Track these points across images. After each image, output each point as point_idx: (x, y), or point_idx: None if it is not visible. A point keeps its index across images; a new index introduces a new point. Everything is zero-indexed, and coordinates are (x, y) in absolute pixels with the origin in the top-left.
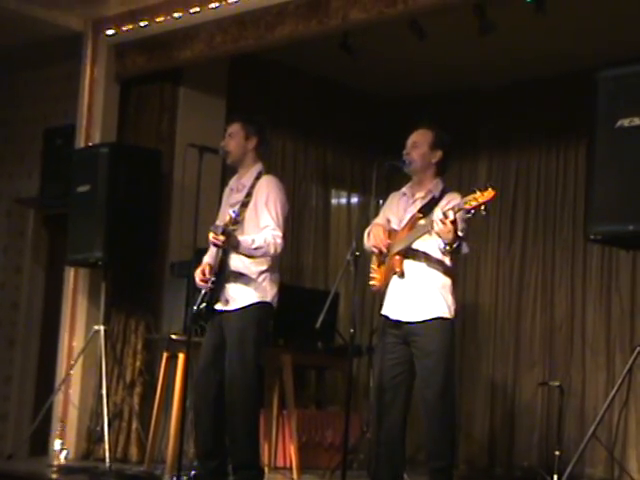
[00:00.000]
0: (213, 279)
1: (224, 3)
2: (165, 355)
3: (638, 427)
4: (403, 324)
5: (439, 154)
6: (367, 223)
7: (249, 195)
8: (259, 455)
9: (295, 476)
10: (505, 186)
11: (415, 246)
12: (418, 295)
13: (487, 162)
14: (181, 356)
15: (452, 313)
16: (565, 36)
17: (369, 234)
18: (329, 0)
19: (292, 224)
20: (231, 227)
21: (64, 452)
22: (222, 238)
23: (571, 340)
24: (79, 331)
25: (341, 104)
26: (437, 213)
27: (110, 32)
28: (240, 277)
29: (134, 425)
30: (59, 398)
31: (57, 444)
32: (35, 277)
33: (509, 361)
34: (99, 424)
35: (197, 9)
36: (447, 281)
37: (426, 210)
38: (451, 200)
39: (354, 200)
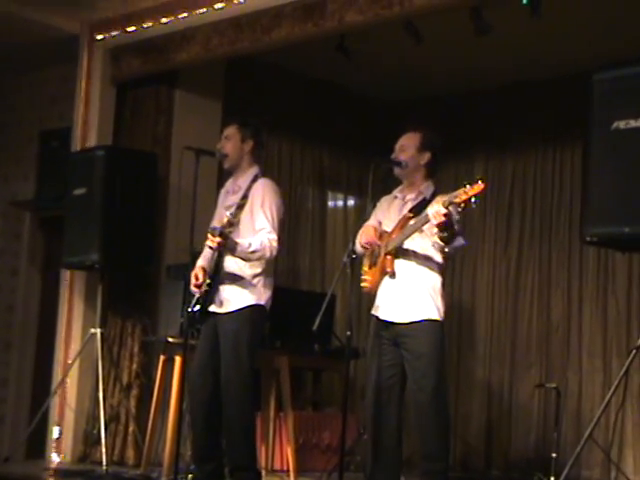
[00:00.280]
0: (208, 281)
1: (220, 6)
2: (162, 358)
3: (635, 429)
4: (393, 325)
5: (427, 156)
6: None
7: (245, 197)
8: (256, 457)
9: (292, 478)
10: (501, 188)
11: (405, 245)
12: (408, 296)
13: (483, 164)
14: (178, 359)
15: (441, 315)
16: (561, 38)
17: (361, 235)
18: (325, 3)
19: (288, 226)
20: (228, 229)
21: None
22: (218, 240)
23: (567, 342)
24: (75, 334)
25: (338, 106)
26: (430, 208)
27: (106, 35)
28: (235, 279)
29: (131, 428)
30: (55, 401)
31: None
32: (31, 280)
33: (505, 363)
34: (96, 427)
35: (193, 12)
36: (437, 281)
37: (417, 211)
38: (435, 201)
39: (350, 202)
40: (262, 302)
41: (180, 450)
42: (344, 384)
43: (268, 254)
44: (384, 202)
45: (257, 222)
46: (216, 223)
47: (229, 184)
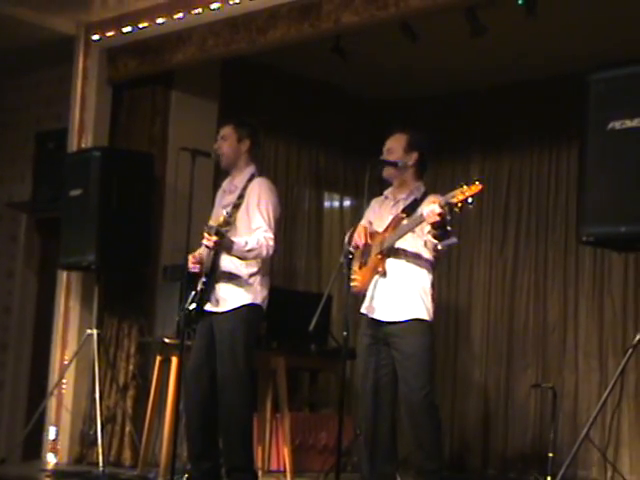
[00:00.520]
0: (204, 280)
1: (216, 6)
2: (158, 359)
3: (631, 429)
4: (383, 324)
5: (415, 156)
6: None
7: (241, 197)
8: (253, 458)
9: (289, 479)
10: (498, 188)
11: (396, 245)
12: (398, 295)
13: (480, 164)
14: (174, 359)
15: (431, 316)
16: (556, 38)
17: (351, 235)
18: (321, 3)
19: (285, 227)
20: (224, 228)
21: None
22: (215, 239)
23: (564, 342)
24: (72, 335)
25: (334, 107)
26: (426, 208)
27: (102, 36)
28: (231, 278)
29: (127, 429)
30: (52, 402)
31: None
32: (27, 281)
33: (502, 363)
34: (92, 428)
35: (189, 12)
36: (427, 281)
37: (409, 211)
38: (430, 201)
39: (347, 203)
40: (258, 301)
41: (177, 451)
42: (341, 385)
43: (264, 252)
44: (375, 203)
45: (253, 221)
46: (212, 222)
47: (226, 184)
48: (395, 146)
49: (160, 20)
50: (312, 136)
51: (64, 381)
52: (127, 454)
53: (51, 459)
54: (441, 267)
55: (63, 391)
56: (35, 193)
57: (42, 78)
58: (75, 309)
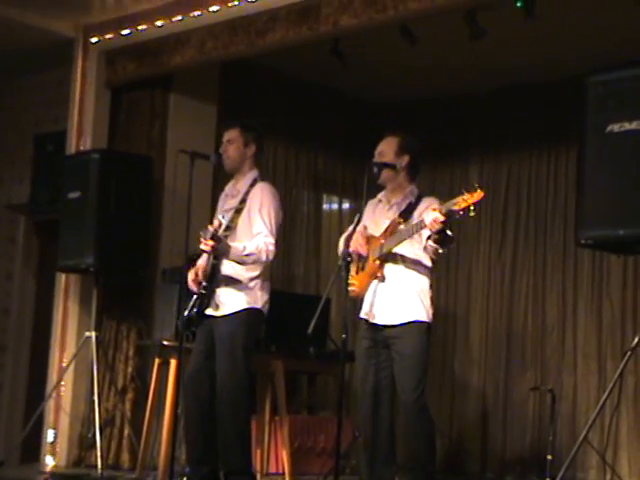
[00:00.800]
0: (205, 284)
1: (215, 9)
2: (157, 361)
3: (629, 431)
4: (383, 328)
5: (406, 158)
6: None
7: (243, 202)
8: (251, 461)
9: None
10: (496, 191)
11: (395, 250)
12: (396, 299)
13: (478, 167)
14: (173, 362)
15: (429, 317)
16: (555, 41)
17: (347, 240)
18: (320, 6)
19: (283, 229)
20: (223, 233)
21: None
22: (211, 243)
23: (562, 344)
24: (70, 337)
25: (332, 110)
26: (427, 215)
27: (101, 38)
28: (231, 282)
29: (126, 431)
30: (50, 405)
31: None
32: (26, 283)
33: (501, 365)
34: (91, 431)
35: (188, 15)
36: (426, 283)
37: (405, 216)
38: (430, 204)
39: (345, 205)
40: (258, 306)
41: (175, 453)
42: (339, 387)
43: (264, 257)
44: (369, 206)
45: (255, 226)
46: (210, 226)
47: (229, 188)
48: (386, 149)
49: (159, 23)
50: (311, 138)
51: (62, 383)
52: (125, 457)
53: (49, 462)
54: (439, 270)
55: (62, 393)
56: (34, 195)
57: (41, 80)
58: (74, 311)
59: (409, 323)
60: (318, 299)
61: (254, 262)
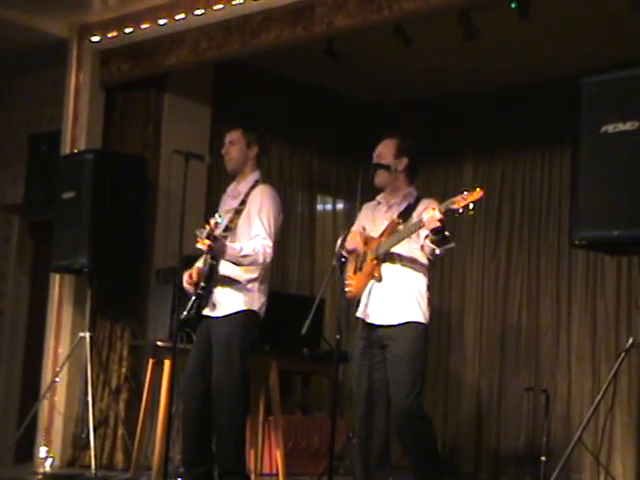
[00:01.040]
0: (202, 284)
1: (209, 9)
2: (151, 361)
3: (623, 432)
4: (379, 328)
5: (405, 161)
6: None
7: (243, 203)
8: (245, 462)
9: None
10: (490, 192)
11: (392, 249)
12: (394, 299)
13: (472, 168)
14: (167, 362)
15: (426, 318)
16: (550, 42)
17: (343, 240)
18: (314, 7)
19: None
20: (222, 233)
21: (49, 460)
22: (208, 242)
23: (557, 345)
24: (64, 338)
25: (327, 110)
26: (426, 213)
27: (95, 39)
28: (229, 284)
29: (120, 432)
30: (44, 405)
31: (42, 451)
32: (20, 284)
33: (495, 367)
34: (85, 431)
35: (182, 15)
36: (423, 284)
37: (404, 216)
38: (428, 205)
39: (340, 206)
40: (255, 307)
41: (169, 454)
42: (333, 388)
43: (261, 259)
44: (367, 208)
45: (253, 228)
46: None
47: (230, 188)
48: (384, 151)
49: (153, 23)
50: (305, 139)
51: (57, 380)
52: (119, 457)
53: (43, 453)
54: (434, 272)
55: (55, 394)
56: (28, 195)
57: (35, 81)
58: (68, 312)
59: (405, 324)
60: (312, 299)
61: (250, 264)
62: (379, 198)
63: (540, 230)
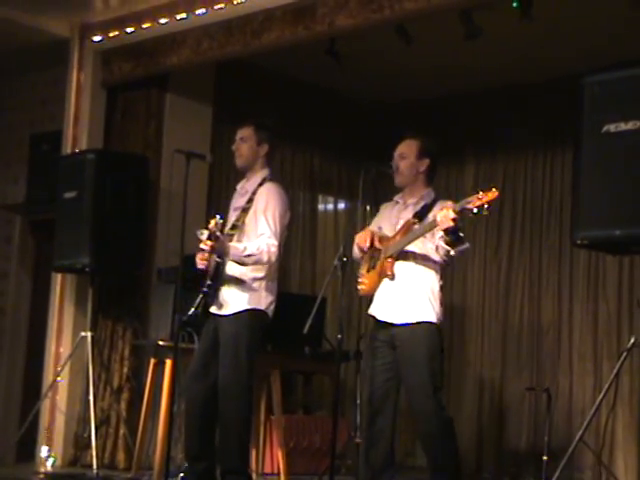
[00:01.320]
0: (209, 282)
1: (211, 9)
2: (152, 361)
3: (625, 431)
4: (389, 326)
5: (426, 162)
6: (354, 228)
7: (250, 201)
8: (248, 461)
9: None
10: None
11: (405, 248)
12: (406, 298)
13: (474, 167)
14: (168, 362)
15: (439, 318)
16: (551, 41)
17: (360, 239)
18: (315, 6)
19: None
20: (229, 232)
21: (51, 460)
22: (210, 243)
23: (558, 345)
24: (66, 337)
25: (328, 110)
26: (440, 213)
27: (96, 38)
28: (235, 282)
29: (121, 431)
30: (46, 404)
31: (44, 451)
32: (22, 283)
33: (496, 366)
34: (86, 430)
35: (183, 15)
36: (436, 284)
37: (420, 216)
38: (444, 206)
39: (341, 206)
40: (262, 307)
41: (171, 453)
42: (335, 387)
43: (265, 259)
44: (384, 208)
45: (259, 227)
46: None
47: (240, 186)
48: (408, 151)
49: (154, 23)
50: (306, 139)
51: (59, 380)
52: (121, 456)
53: (44, 453)
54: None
55: (57, 393)
56: (29, 195)
57: (37, 80)
58: (69, 311)
59: (417, 323)
60: (314, 299)
61: (255, 263)
62: (397, 198)
63: (542, 229)
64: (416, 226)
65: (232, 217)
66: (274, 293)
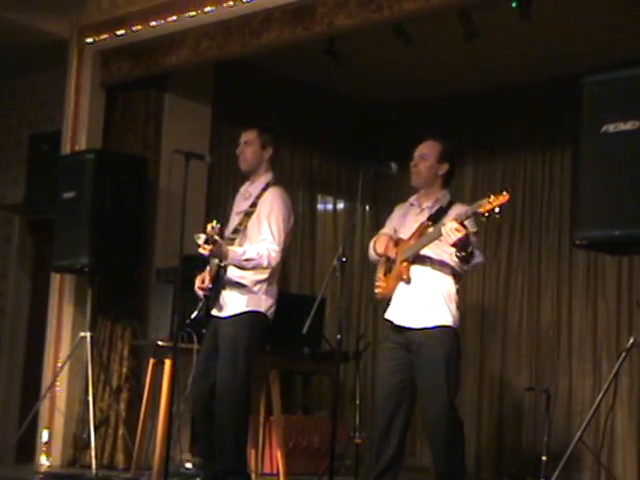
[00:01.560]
0: (210, 286)
1: (210, 9)
2: (151, 361)
3: (624, 432)
4: (406, 330)
5: (446, 166)
6: (354, 228)
7: (254, 205)
8: (246, 462)
9: None
10: (491, 192)
11: (422, 252)
12: (423, 302)
13: (473, 168)
14: (167, 362)
15: (456, 322)
16: (550, 41)
17: (375, 244)
18: (315, 6)
19: None
20: (230, 235)
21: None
22: (209, 247)
23: (557, 345)
24: (65, 338)
25: (327, 110)
26: (449, 223)
27: (95, 39)
28: (236, 285)
29: (120, 431)
30: (45, 405)
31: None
32: (21, 284)
33: (496, 366)
34: (85, 431)
35: (182, 15)
36: (452, 287)
37: (434, 219)
38: (459, 211)
39: (340, 206)
40: (262, 309)
41: (170, 454)
42: (334, 388)
43: (265, 263)
44: (399, 210)
45: (262, 232)
46: (230, 226)
47: (243, 189)
48: (429, 153)
49: (154, 23)
50: (305, 139)
51: (57, 383)
52: (120, 457)
53: (44, 462)
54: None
55: (56, 393)
56: (28, 195)
57: (36, 81)
58: (68, 311)
59: (435, 328)
60: (313, 299)
61: (254, 267)
62: (412, 200)
63: (541, 230)
64: (430, 229)
65: (234, 221)
66: (274, 297)
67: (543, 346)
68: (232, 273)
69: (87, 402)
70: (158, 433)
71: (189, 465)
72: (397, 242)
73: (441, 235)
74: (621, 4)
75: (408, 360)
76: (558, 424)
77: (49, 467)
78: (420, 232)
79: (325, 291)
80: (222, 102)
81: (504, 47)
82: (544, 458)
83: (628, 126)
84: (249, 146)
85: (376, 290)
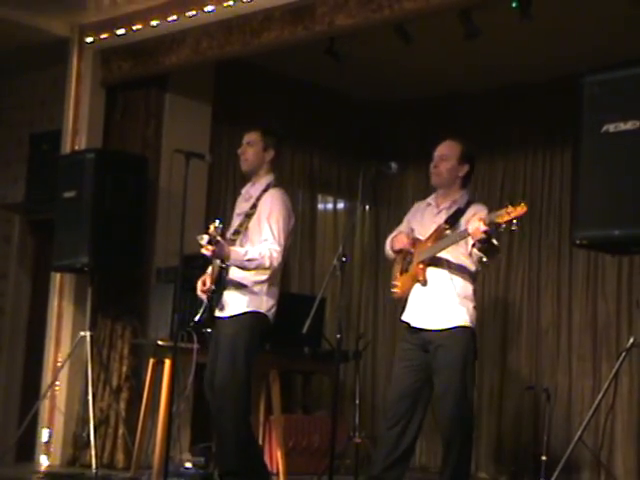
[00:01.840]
0: (212, 288)
1: (210, 9)
2: (151, 361)
3: (624, 431)
4: (423, 331)
5: (466, 168)
6: (353, 228)
7: (254, 207)
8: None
9: None
10: (491, 191)
11: (438, 254)
12: (439, 303)
13: None
14: (167, 362)
15: (473, 322)
16: (550, 41)
17: (392, 241)
18: (315, 6)
19: None
20: (231, 237)
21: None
22: (211, 248)
23: (557, 344)
24: (65, 337)
25: (327, 109)
26: (472, 224)
27: (96, 38)
28: (237, 286)
29: (120, 431)
30: (45, 404)
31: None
32: (21, 283)
33: (496, 365)
34: (85, 430)
35: (183, 15)
36: (469, 288)
37: (452, 221)
38: (477, 211)
39: (340, 205)
40: (262, 310)
41: (170, 453)
42: (334, 387)
43: (267, 263)
44: (416, 209)
45: (263, 233)
46: (232, 227)
47: (245, 190)
48: (449, 154)
49: (154, 22)
50: (305, 138)
51: (57, 383)
52: (120, 456)
53: (44, 461)
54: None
55: (56, 393)
56: (29, 194)
57: (36, 80)
58: (68, 311)
59: (453, 329)
60: (313, 298)
61: (256, 268)
62: (429, 199)
63: (541, 229)
64: (448, 232)
65: (235, 222)
66: (275, 297)
67: (543, 345)
68: (234, 274)
69: (87, 401)
70: (158, 433)
71: (189, 465)
72: (414, 242)
73: (463, 238)
74: (621, 4)
75: (424, 361)
76: (558, 424)
77: (49, 466)
78: (437, 235)
79: (325, 291)
80: (222, 102)
81: (504, 47)
82: (544, 457)
83: (628, 126)
84: (251, 147)
85: (392, 289)
